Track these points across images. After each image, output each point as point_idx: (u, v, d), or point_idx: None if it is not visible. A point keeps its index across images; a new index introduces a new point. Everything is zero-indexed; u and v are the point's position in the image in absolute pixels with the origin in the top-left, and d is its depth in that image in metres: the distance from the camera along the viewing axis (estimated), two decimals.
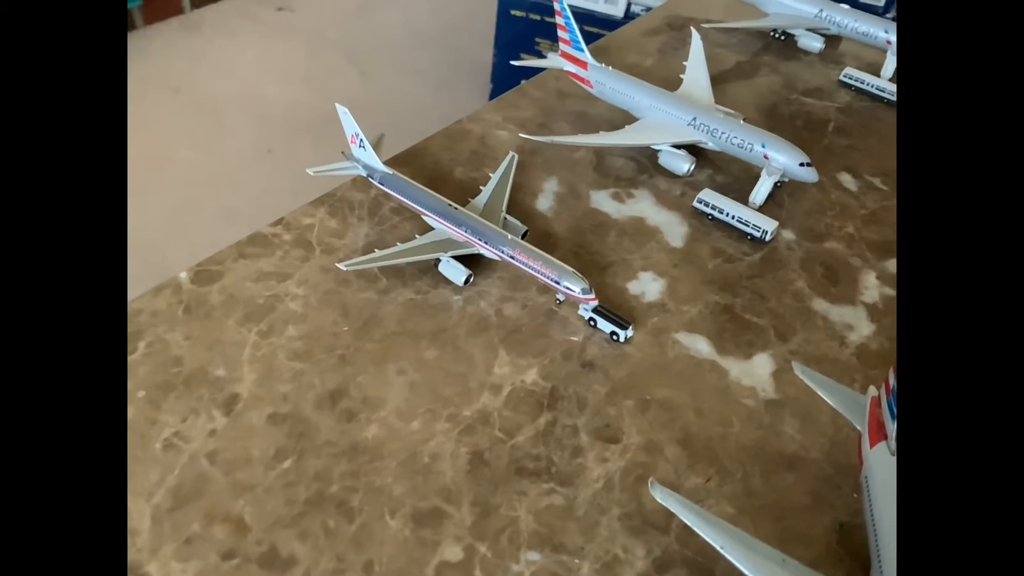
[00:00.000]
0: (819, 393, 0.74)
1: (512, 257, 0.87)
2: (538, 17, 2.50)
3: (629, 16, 2.39)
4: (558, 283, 0.84)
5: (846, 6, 1.33)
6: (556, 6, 1.16)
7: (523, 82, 1.27)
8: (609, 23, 2.44)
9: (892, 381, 0.71)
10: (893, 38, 1.27)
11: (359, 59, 3.09)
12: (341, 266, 0.84)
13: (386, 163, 1.02)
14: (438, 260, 0.88)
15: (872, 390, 0.75)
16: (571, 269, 0.85)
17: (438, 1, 3.38)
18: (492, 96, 2.59)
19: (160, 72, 2.85)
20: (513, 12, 2.52)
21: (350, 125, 0.95)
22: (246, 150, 2.58)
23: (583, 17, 2.45)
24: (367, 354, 0.80)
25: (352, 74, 3.04)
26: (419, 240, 0.90)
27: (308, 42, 3.16)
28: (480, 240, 0.89)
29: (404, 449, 0.73)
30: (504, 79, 2.70)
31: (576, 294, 0.84)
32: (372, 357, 0.80)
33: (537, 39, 2.55)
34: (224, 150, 2.59)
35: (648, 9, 2.37)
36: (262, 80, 2.92)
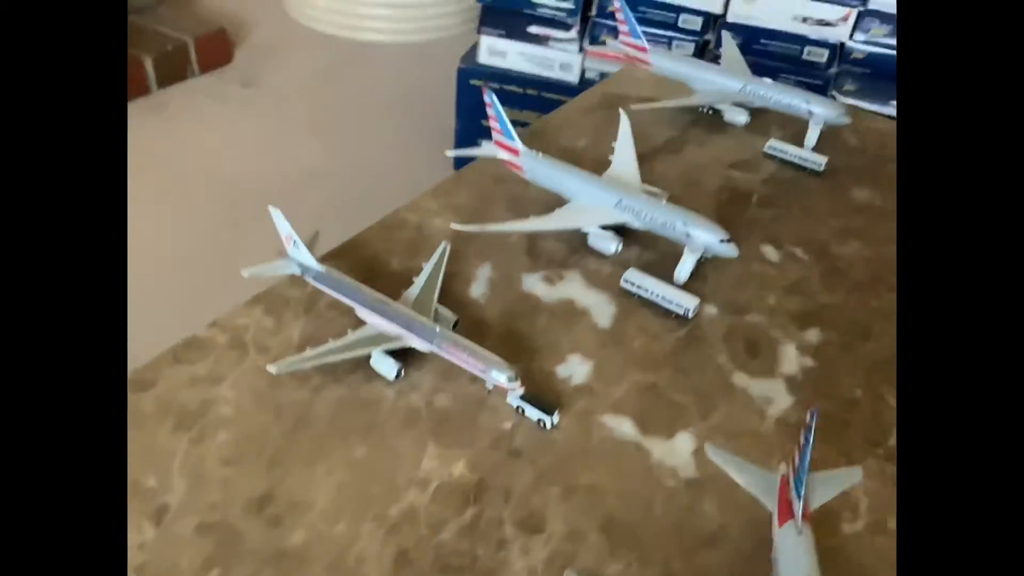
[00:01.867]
0: (731, 475, 0.77)
1: (441, 349, 0.90)
2: (497, 85, 2.59)
3: (584, 82, 2.49)
4: (485, 373, 0.87)
5: (769, 80, 1.41)
6: (485, 98, 1.23)
7: (462, 168, 1.32)
8: (567, 89, 2.54)
9: (797, 460, 0.74)
10: (815, 109, 1.35)
11: (324, 130, 3.17)
12: (271, 369, 0.87)
13: (324, 257, 1.06)
14: (370, 355, 0.91)
15: (782, 468, 0.78)
16: (497, 359, 0.88)
17: (402, 70, 3.50)
18: (456, 162, 2.67)
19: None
20: (472, 82, 2.62)
21: (283, 226, 0.99)
22: (210, 227, 2.61)
23: (540, 84, 2.55)
24: (296, 456, 0.82)
25: (316, 145, 3.11)
26: (351, 336, 0.93)
27: (274, 116, 3.24)
28: (411, 333, 0.92)
29: (330, 553, 0.74)
30: (466, 146, 2.78)
31: (503, 383, 0.87)
32: (302, 458, 0.82)
33: None
34: (188, 228, 2.63)
35: (603, 75, 2.47)
36: (228, 156, 2.98)
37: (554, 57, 2.53)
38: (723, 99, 1.41)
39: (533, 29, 2.51)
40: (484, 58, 2.58)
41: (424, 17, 3.62)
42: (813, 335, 1.01)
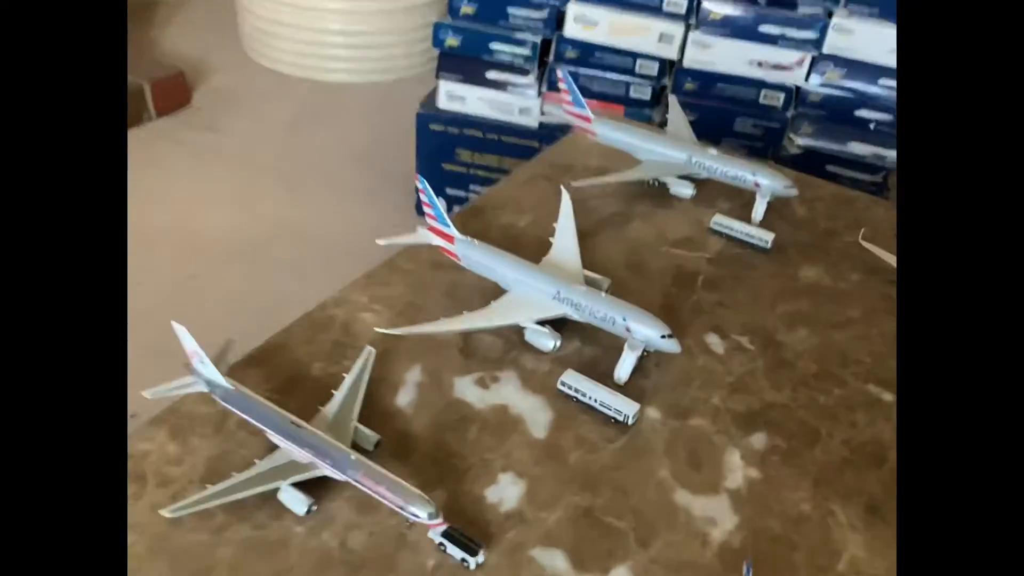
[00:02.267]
0: None
1: (356, 481, 0.83)
2: (457, 130, 2.55)
3: (544, 126, 2.45)
4: (403, 509, 0.81)
5: (714, 150, 1.37)
6: (417, 184, 1.17)
7: (394, 256, 1.25)
8: (527, 132, 2.51)
9: None
10: (761, 180, 1.31)
11: (288, 178, 3.10)
12: (165, 513, 0.80)
13: (240, 364, 0.99)
14: (279, 488, 0.84)
15: None
16: (416, 493, 0.81)
17: (366, 116, 3.44)
18: (418, 207, 2.61)
19: None
20: (432, 127, 2.57)
21: (188, 342, 0.92)
22: (169, 280, 2.52)
23: (501, 128, 2.51)
24: None
25: (280, 193, 3.04)
26: (257, 467, 0.86)
27: (237, 164, 3.17)
28: (324, 461, 0.85)
29: None
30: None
31: (423, 520, 0.80)
32: None
33: (458, 150, 2.59)
34: (149, 281, 2.54)
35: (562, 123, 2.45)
36: (189, 206, 2.90)
37: (513, 102, 2.49)
38: (668, 171, 1.37)
39: (491, 75, 2.47)
40: (444, 103, 2.53)
41: (390, 57, 3.58)
42: (758, 440, 0.96)
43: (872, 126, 2.21)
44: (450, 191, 2.62)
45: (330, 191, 3.02)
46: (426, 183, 1.16)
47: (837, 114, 2.22)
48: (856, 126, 2.22)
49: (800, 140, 2.28)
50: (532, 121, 2.52)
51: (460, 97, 2.53)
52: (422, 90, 2.65)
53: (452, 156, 2.59)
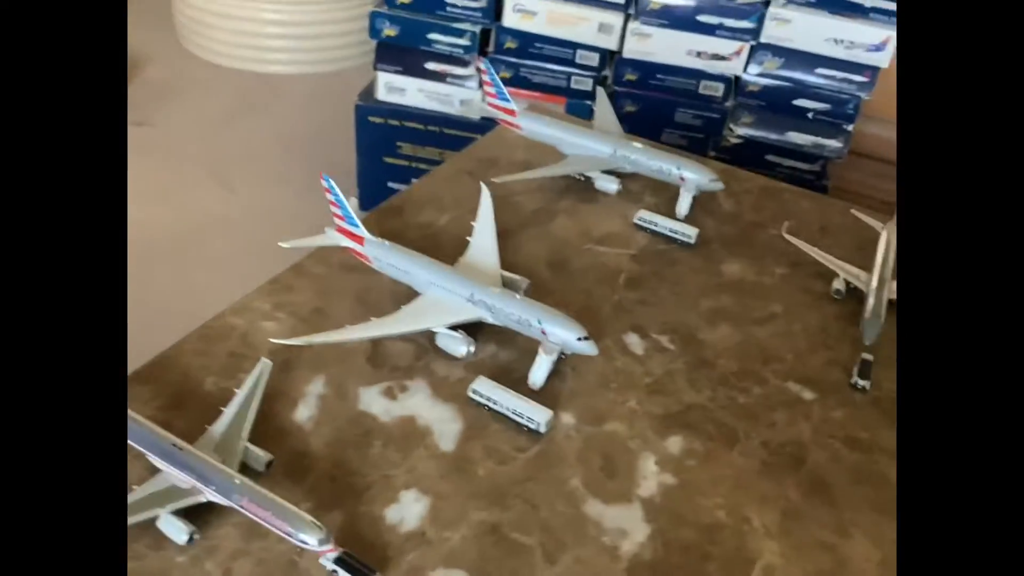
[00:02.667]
0: None
1: (241, 507, 0.78)
2: (397, 122, 2.47)
3: (486, 117, 2.39)
4: (291, 536, 0.75)
5: (639, 143, 1.33)
6: (323, 183, 1.11)
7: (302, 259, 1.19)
8: (469, 125, 2.44)
9: None
10: (686, 174, 1.27)
11: (223, 172, 2.99)
12: None
13: (128, 380, 0.92)
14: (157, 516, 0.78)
15: None
16: (307, 517, 0.76)
17: (305, 108, 3.34)
18: (361, 202, 2.53)
19: None
20: (371, 119, 2.49)
21: None
22: None
23: (441, 120, 2.44)
24: None
25: (215, 188, 2.93)
26: (136, 494, 0.79)
27: (169, 158, 3.04)
28: (207, 486, 0.79)
29: None
30: (370, 185, 2.65)
31: (313, 546, 0.75)
32: None
33: (399, 143, 2.52)
34: None
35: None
36: None
37: (453, 93, 2.43)
38: (593, 166, 1.32)
39: (430, 65, 2.40)
40: (383, 95, 2.45)
41: (328, 47, 3.48)
42: (675, 444, 0.93)
43: (810, 115, 2.21)
44: (392, 184, 2.54)
45: (266, 185, 2.92)
46: (331, 181, 1.10)
47: (776, 104, 2.21)
48: (795, 115, 2.22)
49: (740, 130, 2.26)
50: (474, 114, 2.46)
51: (400, 89, 2.45)
52: (362, 82, 2.58)
53: (393, 149, 2.51)
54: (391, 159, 2.51)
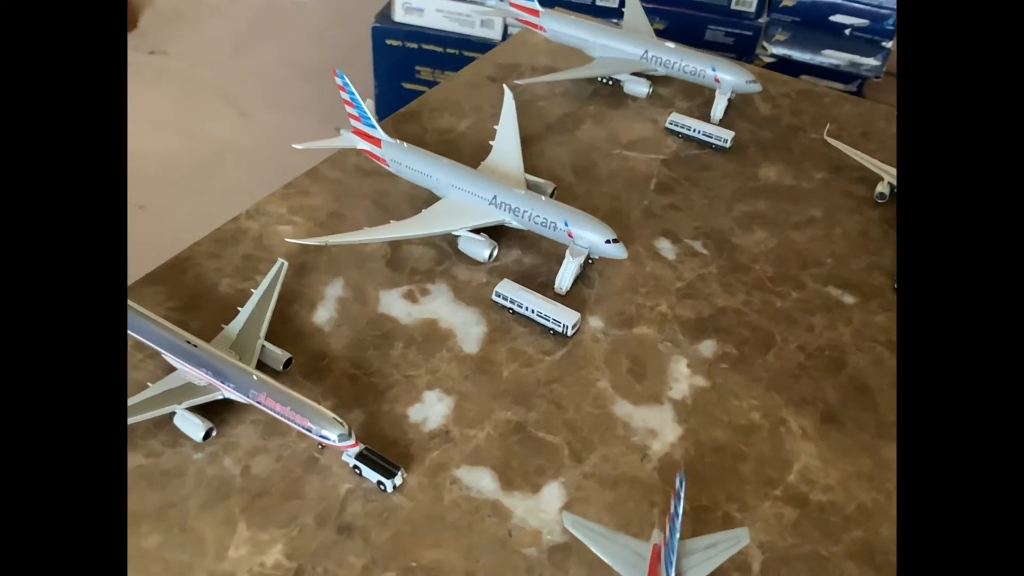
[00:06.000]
0: (593, 550, 0.65)
1: (259, 402, 0.75)
2: (415, 45, 2.38)
3: (508, 38, 2.30)
4: (311, 431, 0.73)
5: (672, 44, 1.25)
6: (337, 81, 1.05)
7: (318, 164, 1.14)
8: (489, 47, 2.34)
9: (668, 532, 0.62)
10: (722, 75, 1.20)
11: (237, 99, 2.92)
12: None
13: (139, 282, 0.89)
14: (174, 413, 0.76)
15: (655, 535, 0.66)
16: (325, 412, 0.73)
17: (319, 34, 3.24)
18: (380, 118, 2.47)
19: None
20: (389, 42, 2.40)
21: None
22: None
23: (461, 42, 2.35)
24: None
25: (231, 115, 2.87)
26: (150, 391, 0.77)
27: (183, 86, 2.98)
28: (224, 383, 0.76)
29: None
30: (388, 111, 2.59)
31: (333, 442, 0.73)
32: None
33: (418, 67, 2.43)
34: None
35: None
36: (134, 131, 2.73)
37: (473, 13, 2.32)
38: (622, 68, 1.25)
39: None
40: (400, 16, 2.36)
41: None
42: (707, 348, 0.89)
43: (848, 32, 2.09)
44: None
45: (282, 111, 2.85)
46: (346, 78, 1.04)
47: (811, 20, 2.09)
48: (831, 32, 2.10)
49: (773, 48, 2.15)
50: (495, 34, 2.36)
51: (417, 9, 2.35)
52: (377, 5, 2.48)
53: (412, 75, 2.42)
54: (409, 84, 2.42)
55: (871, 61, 2.09)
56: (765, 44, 2.13)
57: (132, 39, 3.20)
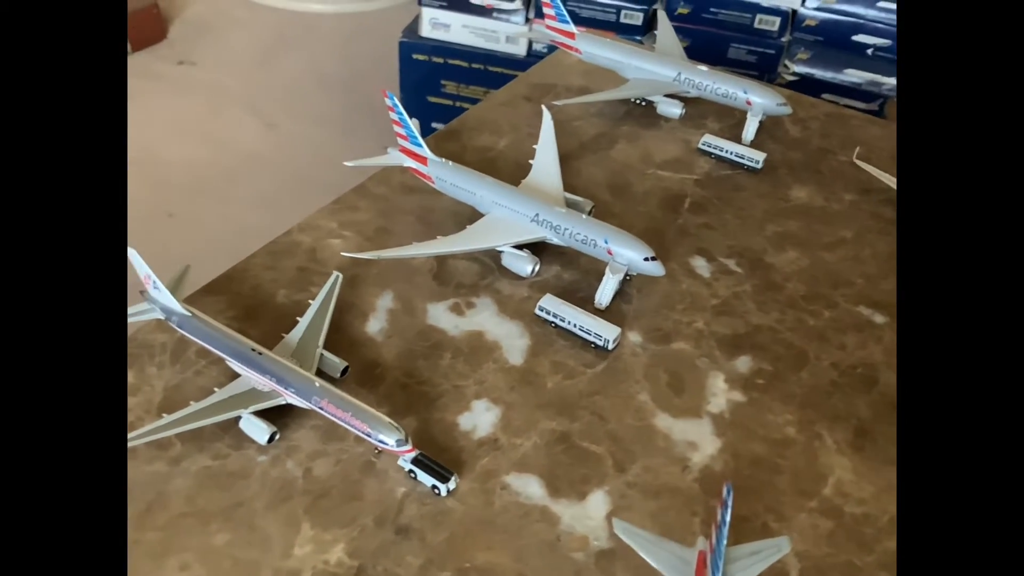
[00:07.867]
0: (641, 555, 0.68)
1: (321, 408, 0.79)
2: (441, 60, 2.43)
3: (532, 55, 2.34)
4: (370, 436, 0.77)
5: (704, 67, 1.29)
6: (387, 101, 1.09)
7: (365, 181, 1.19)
8: (514, 62, 2.40)
9: (714, 538, 0.65)
10: (753, 98, 1.24)
11: (264, 110, 2.99)
12: None
13: (199, 292, 0.94)
14: (239, 417, 0.80)
15: (700, 542, 0.70)
16: (383, 419, 0.77)
17: (344, 47, 3.30)
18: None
19: None
20: (415, 56, 2.46)
21: (141, 267, 0.86)
22: (143, 215, 2.45)
23: (486, 57, 2.40)
24: (146, 547, 0.71)
25: (256, 126, 2.93)
26: (216, 396, 0.81)
27: (211, 96, 3.05)
28: (287, 389, 0.81)
29: None
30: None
31: (391, 447, 0.77)
32: (151, 550, 0.71)
33: (443, 81, 2.49)
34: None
35: (552, 48, 2.35)
36: (163, 140, 2.80)
37: (499, 29, 2.37)
38: (656, 90, 1.29)
39: (476, 0, 2.35)
40: (427, 31, 2.41)
41: None
42: (743, 364, 0.92)
43: (870, 52, 2.12)
44: (436, 125, 2.52)
45: (307, 122, 2.91)
46: (395, 99, 1.09)
47: (833, 39, 2.12)
48: (853, 52, 2.13)
49: (795, 67, 2.18)
50: (519, 50, 2.41)
51: (444, 24, 2.40)
52: (403, 19, 2.53)
53: (438, 88, 2.47)
54: (435, 98, 2.47)
55: (893, 81, 2.12)
56: (787, 62, 2.17)
57: (161, 49, 3.28)
